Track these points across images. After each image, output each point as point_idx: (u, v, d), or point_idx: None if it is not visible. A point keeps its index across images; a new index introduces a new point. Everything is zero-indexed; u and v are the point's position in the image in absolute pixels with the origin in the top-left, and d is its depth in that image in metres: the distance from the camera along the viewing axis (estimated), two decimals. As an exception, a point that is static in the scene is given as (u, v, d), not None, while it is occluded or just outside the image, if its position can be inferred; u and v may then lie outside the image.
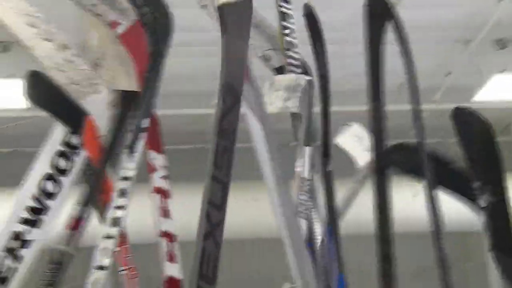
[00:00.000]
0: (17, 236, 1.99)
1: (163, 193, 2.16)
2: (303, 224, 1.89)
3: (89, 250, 1.82)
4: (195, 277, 1.09)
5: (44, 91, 2.14)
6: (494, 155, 1.63)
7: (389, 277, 1.86)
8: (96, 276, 1.80)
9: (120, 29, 2.02)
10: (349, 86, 6.44)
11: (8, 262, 1.96)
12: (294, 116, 2.13)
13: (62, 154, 2.11)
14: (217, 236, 1.10)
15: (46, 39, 2.16)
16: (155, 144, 2.18)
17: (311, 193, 2.00)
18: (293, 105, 2.00)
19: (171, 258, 2.02)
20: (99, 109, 2.16)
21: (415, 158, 2.04)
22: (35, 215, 2.03)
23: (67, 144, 2.11)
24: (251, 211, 8.27)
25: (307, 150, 2.03)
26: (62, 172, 2.11)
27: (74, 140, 2.10)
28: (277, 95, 1.98)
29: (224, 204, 1.15)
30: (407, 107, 2.33)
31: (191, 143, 9.44)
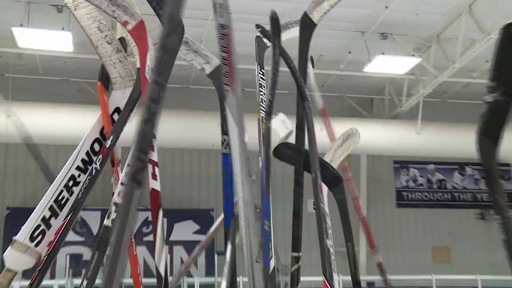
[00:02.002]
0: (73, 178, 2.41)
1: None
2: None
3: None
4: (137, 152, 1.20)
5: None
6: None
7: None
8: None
9: (129, 26, 2.13)
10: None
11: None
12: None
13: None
14: (154, 122, 1.23)
15: (108, 42, 2.47)
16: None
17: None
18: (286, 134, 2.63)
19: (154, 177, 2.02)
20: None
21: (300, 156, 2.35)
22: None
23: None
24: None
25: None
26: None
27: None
28: (282, 128, 2.61)
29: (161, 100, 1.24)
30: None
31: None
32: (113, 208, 2.35)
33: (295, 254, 2.38)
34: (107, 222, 2.38)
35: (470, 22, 9.59)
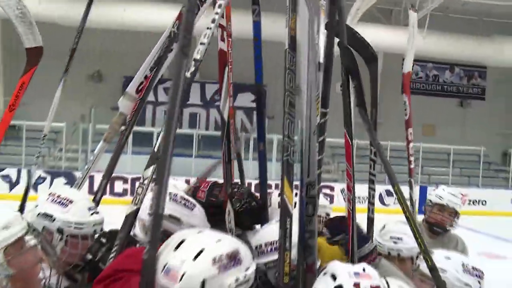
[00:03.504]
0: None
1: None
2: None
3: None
4: None
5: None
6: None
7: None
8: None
9: None
10: None
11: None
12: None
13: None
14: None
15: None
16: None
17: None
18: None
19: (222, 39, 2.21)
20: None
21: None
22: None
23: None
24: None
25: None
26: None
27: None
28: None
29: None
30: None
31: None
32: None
33: (324, 110, 2.25)
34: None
35: None
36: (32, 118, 12.44)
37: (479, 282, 2.31)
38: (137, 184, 2.10)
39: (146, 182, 2.05)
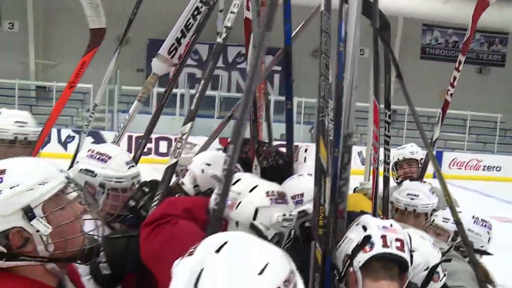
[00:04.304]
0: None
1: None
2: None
3: None
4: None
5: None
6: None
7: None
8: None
9: None
10: None
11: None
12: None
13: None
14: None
15: None
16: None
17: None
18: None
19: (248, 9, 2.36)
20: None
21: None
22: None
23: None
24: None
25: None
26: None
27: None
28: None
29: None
30: None
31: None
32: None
33: None
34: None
35: None
36: (62, 79, 12.55)
37: (488, 233, 2.57)
38: (173, 141, 2.20)
39: (184, 137, 2.18)
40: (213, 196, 1.72)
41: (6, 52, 16.60)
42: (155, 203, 2.12)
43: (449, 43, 18.87)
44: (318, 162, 1.75)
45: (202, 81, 2.31)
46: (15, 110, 3.45)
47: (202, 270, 0.95)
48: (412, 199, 3.02)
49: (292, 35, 2.67)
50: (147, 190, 2.22)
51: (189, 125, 2.17)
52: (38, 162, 1.40)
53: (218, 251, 0.98)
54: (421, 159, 3.80)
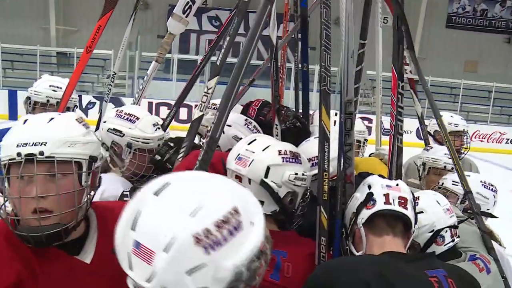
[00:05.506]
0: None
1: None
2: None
3: None
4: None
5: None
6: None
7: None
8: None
9: None
10: None
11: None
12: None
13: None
14: None
15: None
16: None
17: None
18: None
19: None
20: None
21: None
22: None
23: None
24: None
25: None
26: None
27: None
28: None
29: None
30: None
31: None
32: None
33: (362, 41, 2.73)
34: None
35: None
36: (83, 45, 12.54)
37: (494, 196, 2.72)
38: (193, 108, 2.22)
39: (209, 92, 2.23)
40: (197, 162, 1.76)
41: (27, 18, 16.64)
42: (180, 155, 2.18)
43: (477, 11, 18.24)
44: (321, 129, 1.79)
45: (228, 37, 2.33)
46: (55, 76, 3.69)
47: (139, 212, 0.97)
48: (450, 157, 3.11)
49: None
50: (172, 144, 2.28)
51: (215, 79, 2.21)
52: (18, 128, 1.35)
53: (157, 193, 0.99)
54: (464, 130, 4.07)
